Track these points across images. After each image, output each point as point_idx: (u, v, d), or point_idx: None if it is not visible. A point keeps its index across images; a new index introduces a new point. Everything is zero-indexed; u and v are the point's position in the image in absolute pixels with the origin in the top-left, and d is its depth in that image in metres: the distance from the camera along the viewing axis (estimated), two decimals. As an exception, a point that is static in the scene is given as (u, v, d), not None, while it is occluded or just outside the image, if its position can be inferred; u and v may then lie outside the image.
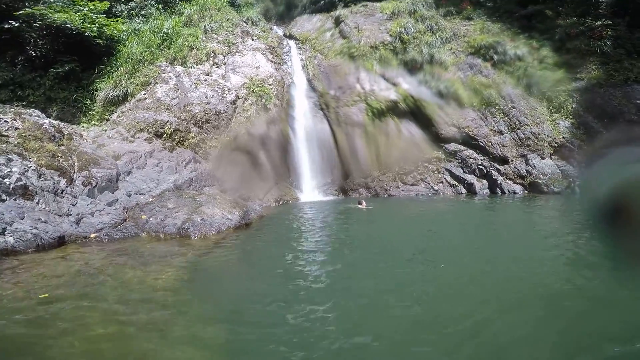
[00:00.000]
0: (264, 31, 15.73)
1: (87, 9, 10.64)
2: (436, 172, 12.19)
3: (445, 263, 4.71)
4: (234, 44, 13.28)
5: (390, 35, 15.11)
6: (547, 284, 3.93)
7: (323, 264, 4.77)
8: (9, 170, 5.52)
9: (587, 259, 4.77)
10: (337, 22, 16.67)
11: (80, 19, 10.24)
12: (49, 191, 5.85)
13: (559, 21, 13.02)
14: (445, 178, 12.11)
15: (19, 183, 5.45)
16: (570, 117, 11.92)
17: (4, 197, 5.21)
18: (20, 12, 9.62)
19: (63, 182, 6.24)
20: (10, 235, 4.83)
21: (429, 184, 12.02)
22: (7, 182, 5.36)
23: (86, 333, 2.93)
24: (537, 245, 5.55)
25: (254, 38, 14.32)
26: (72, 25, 10.04)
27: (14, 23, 9.75)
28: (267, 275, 4.46)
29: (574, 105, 11.94)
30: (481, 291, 3.81)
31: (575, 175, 10.91)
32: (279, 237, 6.42)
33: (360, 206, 9.35)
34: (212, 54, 12.58)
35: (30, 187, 5.58)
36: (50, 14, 9.77)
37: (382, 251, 5.41)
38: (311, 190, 11.96)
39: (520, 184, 11.43)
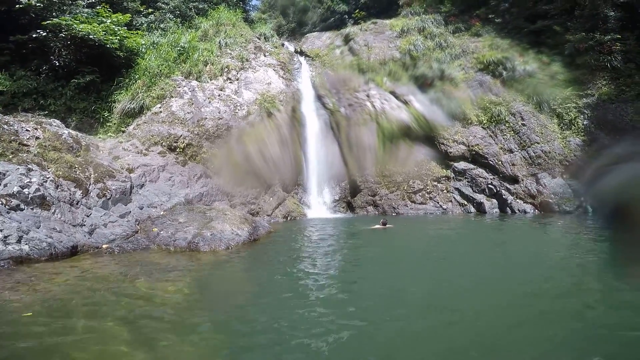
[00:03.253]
0: (276, 47, 16.10)
1: (110, 20, 11.01)
2: (445, 191, 12.10)
3: (460, 284, 4.66)
4: (247, 60, 13.60)
5: (400, 52, 15.34)
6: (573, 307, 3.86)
7: (331, 283, 4.75)
8: (28, 180, 5.71)
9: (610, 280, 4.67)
10: (347, 39, 17.01)
11: (103, 31, 10.60)
12: (65, 202, 6.02)
13: (568, 36, 12.95)
14: (454, 197, 12.01)
15: (38, 193, 5.63)
16: (582, 134, 11.73)
17: (22, 206, 5.39)
18: (48, 21, 9.97)
19: (79, 194, 6.41)
20: (26, 244, 4.97)
21: (438, 202, 11.93)
22: (27, 192, 5.54)
23: (90, 346, 2.96)
24: (556, 267, 5.44)
25: (266, 54, 14.66)
26: (95, 36, 10.39)
27: (41, 32, 10.14)
28: (275, 293, 4.46)
29: (585, 122, 11.79)
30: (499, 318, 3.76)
31: (583, 193, 10.68)
32: (288, 254, 6.42)
33: (381, 226, 8.63)
34: (226, 69, 12.89)
35: (47, 198, 5.76)
36: (75, 25, 10.11)
37: (392, 271, 5.36)
38: (319, 207, 11.97)
39: (530, 203, 11.28)
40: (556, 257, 6.01)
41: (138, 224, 6.84)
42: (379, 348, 3.10)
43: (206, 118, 10.60)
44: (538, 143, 11.86)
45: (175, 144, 9.61)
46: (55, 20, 10.04)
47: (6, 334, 3.08)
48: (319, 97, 13.74)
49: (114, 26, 10.98)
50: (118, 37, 11.01)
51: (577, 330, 3.39)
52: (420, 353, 3.02)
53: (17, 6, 9.93)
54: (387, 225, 8.61)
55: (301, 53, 17.18)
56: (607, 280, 4.79)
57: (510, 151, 12.05)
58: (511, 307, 3.96)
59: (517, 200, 11.43)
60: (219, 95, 11.68)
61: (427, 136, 12.83)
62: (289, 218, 10.71)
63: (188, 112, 10.51)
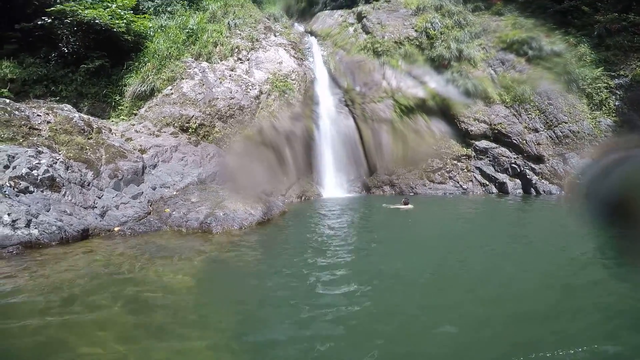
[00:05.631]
0: (286, 27, 15.63)
1: (115, 5, 10.83)
2: (465, 171, 11.70)
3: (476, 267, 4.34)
4: (257, 40, 13.23)
5: (416, 31, 14.60)
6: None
7: (346, 265, 4.50)
8: (37, 162, 5.58)
9: None
10: (360, 18, 16.28)
11: (109, 15, 10.47)
12: (75, 183, 5.87)
13: (598, 17, 12.22)
14: (475, 177, 11.60)
15: (47, 175, 5.49)
16: (613, 115, 11.15)
17: (31, 188, 5.26)
18: (52, 8, 9.87)
19: (90, 175, 6.27)
20: (35, 228, 4.82)
21: (458, 182, 11.57)
22: (35, 174, 5.40)
23: (98, 333, 2.79)
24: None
25: (277, 34, 14.23)
26: (101, 21, 10.26)
27: (46, 19, 10.04)
28: (289, 276, 4.23)
29: (617, 103, 11.17)
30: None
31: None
32: (301, 235, 6.20)
33: (403, 207, 8.32)
34: (236, 50, 12.58)
35: (57, 179, 5.62)
36: (80, 10, 9.99)
37: (411, 255, 5.07)
38: (334, 186, 11.77)
39: (556, 184, 10.77)
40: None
41: (150, 205, 6.69)
42: (390, 334, 2.85)
43: (218, 98, 10.37)
44: (566, 123, 11.26)
45: (187, 125, 9.44)
46: (59, 6, 9.94)
47: None
48: (332, 76, 13.42)
49: (119, 10, 10.83)
50: (125, 21, 10.87)
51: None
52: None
53: (21, -6, 9.82)
54: (408, 206, 8.27)
55: (312, 33, 16.60)
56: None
57: (536, 130, 11.46)
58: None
59: (542, 180, 10.92)
60: (230, 76, 11.39)
61: (444, 113, 12.42)
62: (303, 198, 10.55)
63: (199, 93, 10.29)
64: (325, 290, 3.64)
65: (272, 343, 2.71)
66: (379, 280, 3.96)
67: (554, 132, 11.26)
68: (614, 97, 11.28)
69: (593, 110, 11.42)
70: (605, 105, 11.34)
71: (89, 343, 2.64)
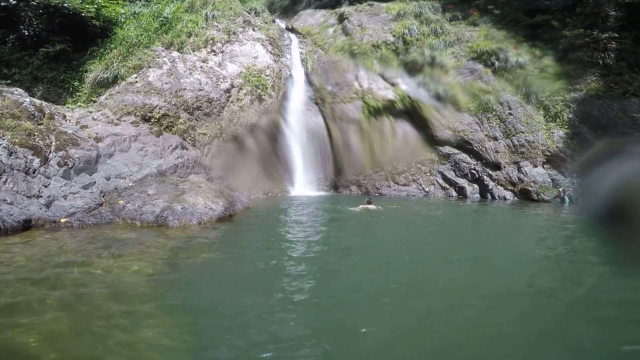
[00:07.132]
0: (267, 22, 15.49)
1: (87, -11, 10.36)
2: (428, 174, 12.14)
3: (438, 266, 4.54)
4: (234, 33, 13.02)
5: (394, 36, 14.93)
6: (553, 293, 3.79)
7: (308, 263, 4.52)
8: (-23, 145, 5.25)
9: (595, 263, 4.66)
10: (341, 18, 16.45)
11: (79, 0, 9.98)
12: (19, 170, 5.57)
13: (565, 32, 12.92)
14: (437, 180, 12.06)
15: (-14, 160, 5.18)
16: (565, 127, 11.82)
17: (-32, 173, 4.94)
18: None
19: (37, 162, 5.96)
20: (-31, 217, 4.53)
21: (421, 185, 11.98)
22: (-26, 158, 5.08)
23: (34, 336, 2.62)
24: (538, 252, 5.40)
25: (255, 28, 14.08)
26: (69, 5, 9.79)
27: (10, 1, 9.51)
28: (247, 274, 4.21)
29: (569, 116, 11.87)
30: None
31: (567, 185, 10.88)
32: (264, 231, 6.19)
33: (368, 207, 8.15)
34: (211, 42, 12.32)
35: (-2, 165, 5.31)
36: None
37: (372, 252, 5.19)
38: (302, 184, 11.81)
39: (511, 190, 11.37)
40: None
41: (103, 196, 6.45)
42: (349, 332, 2.94)
43: (185, 89, 10.12)
44: (523, 132, 11.88)
45: (150, 114, 9.14)
46: None
47: None
48: (307, 75, 13.52)
49: (92, -5, 10.38)
50: (95, 6, 10.43)
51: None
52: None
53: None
54: (371, 206, 8.28)
55: (292, 30, 16.56)
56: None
57: (495, 139, 12.04)
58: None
59: (498, 186, 11.51)
60: (201, 67, 11.15)
61: (412, 117, 12.77)
62: (269, 195, 10.52)
63: (166, 83, 10.00)
64: (282, 291, 3.63)
65: (222, 337, 2.71)
66: (340, 285, 3.97)
67: (511, 141, 11.87)
68: (568, 109, 11.95)
69: (548, 122, 12.09)
70: (559, 118, 12.01)
71: (25, 341, 2.50)
